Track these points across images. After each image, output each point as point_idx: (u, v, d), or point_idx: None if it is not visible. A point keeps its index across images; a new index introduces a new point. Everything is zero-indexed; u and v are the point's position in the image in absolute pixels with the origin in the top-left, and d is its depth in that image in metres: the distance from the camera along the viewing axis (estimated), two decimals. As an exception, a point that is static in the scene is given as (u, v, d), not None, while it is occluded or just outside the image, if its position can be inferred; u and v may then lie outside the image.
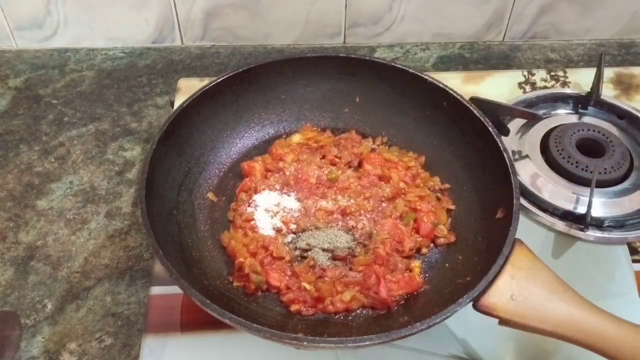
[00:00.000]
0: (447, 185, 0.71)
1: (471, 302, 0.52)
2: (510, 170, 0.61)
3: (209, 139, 0.74)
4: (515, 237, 0.56)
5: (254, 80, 0.75)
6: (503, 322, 0.53)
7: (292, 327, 0.58)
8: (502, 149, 0.63)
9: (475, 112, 0.68)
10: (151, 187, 0.61)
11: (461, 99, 0.69)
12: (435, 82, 0.72)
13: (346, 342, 0.49)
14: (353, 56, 0.76)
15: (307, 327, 0.59)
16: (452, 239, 0.67)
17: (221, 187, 0.73)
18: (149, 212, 0.58)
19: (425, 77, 0.72)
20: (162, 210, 0.63)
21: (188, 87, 0.85)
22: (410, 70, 0.73)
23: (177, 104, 0.70)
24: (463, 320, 0.60)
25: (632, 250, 0.69)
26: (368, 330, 0.58)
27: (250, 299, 0.62)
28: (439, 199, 0.70)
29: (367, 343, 0.49)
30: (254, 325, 0.49)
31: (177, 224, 0.66)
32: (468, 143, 0.70)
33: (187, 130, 0.70)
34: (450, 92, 0.70)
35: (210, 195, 0.71)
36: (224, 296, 0.60)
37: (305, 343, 0.49)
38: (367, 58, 0.76)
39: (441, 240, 0.67)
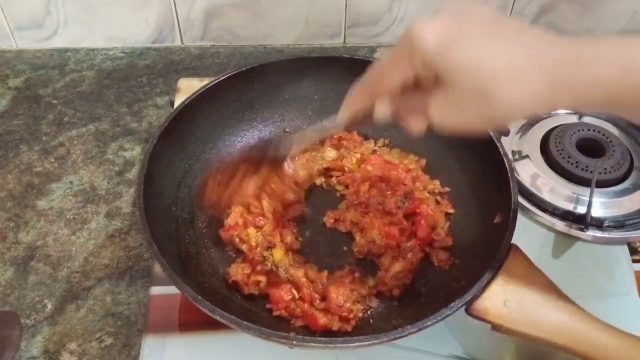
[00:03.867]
0: (446, 189, 0.71)
1: (464, 307, 0.52)
2: (509, 176, 0.61)
3: (211, 136, 0.74)
4: (512, 242, 0.55)
5: (257, 79, 0.75)
6: (495, 327, 0.52)
7: (284, 327, 0.58)
8: (502, 154, 0.63)
9: None
10: (150, 182, 0.61)
11: None
12: None
13: (335, 343, 0.49)
14: (357, 57, 0.76)
15: (299, 327, 0.59)
16: (450, 242, 0.66)
17: (221, 185, 0.73)
18: (147, 206, 0.58)
19: None
20: (160, 205, 0.63)
21: (188, 87, 0.85)
22: None
23: (177, 104, 0.70)
24: (463, 320, 0.60)
25: (632, 250, 0.69)
26: (361, 331, 0.58)
27: (246, 298, 0.62)
28: (438, 202, 0.70)
29: (355, 344, 0.49)
30: (244, 322, 0.49)
31: (175, 220, 0.66)
32: (469, 147, 0.69)
33: (189, 127, 0.70)
34: None
35: (210, 192, 0.72)
36: (218, 293, 0.61)
37: (294, 342, 0.49)
38: (372, 59, 0.76)
39: (438, 244, 0.66)
